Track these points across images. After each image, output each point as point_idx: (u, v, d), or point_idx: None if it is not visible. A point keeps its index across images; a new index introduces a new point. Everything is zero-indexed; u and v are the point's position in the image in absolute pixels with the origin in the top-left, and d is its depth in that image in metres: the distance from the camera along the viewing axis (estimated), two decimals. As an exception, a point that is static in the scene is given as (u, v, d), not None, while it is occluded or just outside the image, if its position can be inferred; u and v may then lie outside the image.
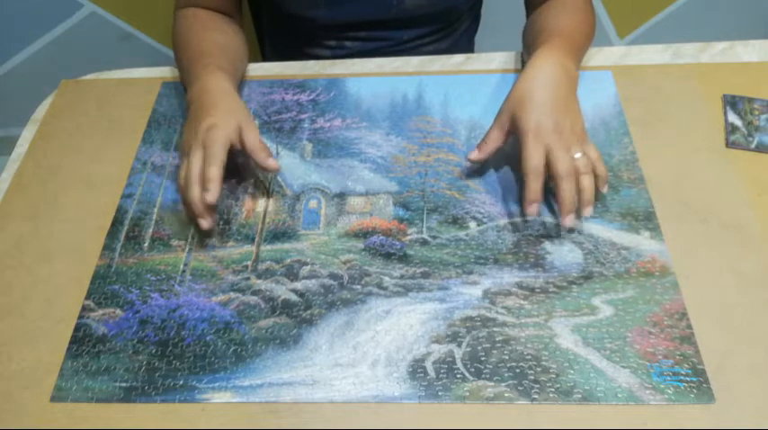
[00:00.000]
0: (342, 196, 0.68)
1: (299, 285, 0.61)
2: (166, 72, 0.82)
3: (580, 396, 0.52)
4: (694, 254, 0.60)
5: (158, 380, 0.55)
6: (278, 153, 0.72)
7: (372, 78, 0.79)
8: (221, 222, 0.66)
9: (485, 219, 0.65)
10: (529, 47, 0.75)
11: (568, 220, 0.60)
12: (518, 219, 0.65)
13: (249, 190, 0.69)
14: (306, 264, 0.62)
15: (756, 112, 0.71)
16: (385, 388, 0.53)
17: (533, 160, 0.59)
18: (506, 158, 0.69)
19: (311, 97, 0.78)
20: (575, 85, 0.66)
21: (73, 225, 0.67)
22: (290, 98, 0.78)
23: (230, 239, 0.65)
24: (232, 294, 0.60)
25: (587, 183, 0.60)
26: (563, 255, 0.62)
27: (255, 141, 0.64)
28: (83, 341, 0.57)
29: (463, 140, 0.72)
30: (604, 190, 0.62)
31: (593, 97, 0.74)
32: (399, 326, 0.57)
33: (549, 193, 0.65)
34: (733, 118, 0.71)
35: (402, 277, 0.61)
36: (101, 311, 0.59)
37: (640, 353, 0.54)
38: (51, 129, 0.76)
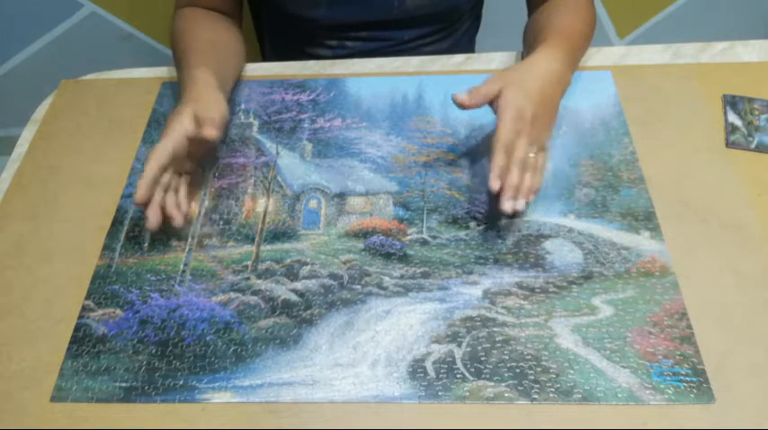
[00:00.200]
0: (342, 196, 0.68)
1: (299, 285, 0.61)
2: (166, 72, 0.82)
3: (580, 396, 0.52)
4: (694, 254, 0.60)
5: (158, 380, 0.55)
6: (278, 153, 0.72)
7: (372, 78, 0.79)
8: (221, 222, 0.66)
9: (485, 219, 0.65)
10: (530, 46, 0.75)
11: (509, 205, 0.59)
12: (518, 219, 0.65)
13: (249, 190, 0.69)
14: (306, 264, 0.62)
15: (756, 112, 0.71)
16: (385, 388, 0.53)
17: (509, 135, 0.59)
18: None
19: (311, 97, 0.78)
20: (562, 91, 0.66)
21: (73, 225, 0.67)
22: (290, 98, 0.78)
23: (230, 239, 0.65)
24: (232, 294, 0.60)
25: (527, 180, 0.60)
26: (563, 255, 0.62)
27: (206, 115, 0.62)
28: (83, 341, 0.57)
29: (463, 140, 0.72)
30: (530, 199, 0.61)
31: (593, 97, 0.74)
32: (399, 326, 0.57)
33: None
34: (733, 118, 0.71)
35: (402, 277, 0.61)
36: (101, 311, 0.59)
37: (640, 353, 0.54)
38: (51, 129, 0.76)
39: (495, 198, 0.66)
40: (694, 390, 0.52)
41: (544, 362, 0.54)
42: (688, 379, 0.52)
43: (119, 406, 0.54)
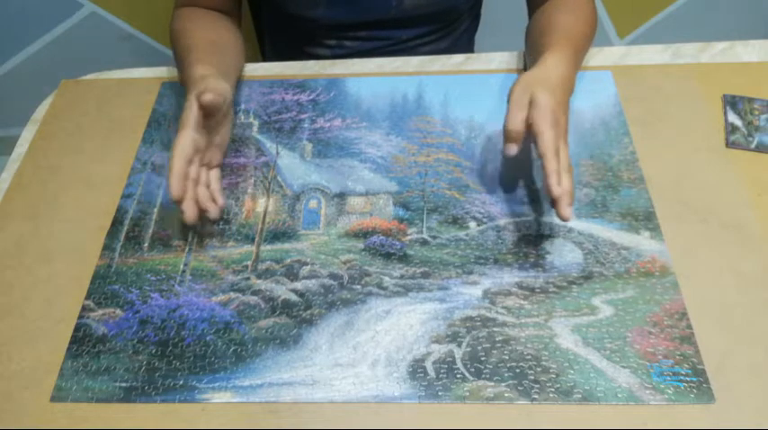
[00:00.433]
0: (342, 196, 0.68)
1: (299, 285, 0.61)
2: (166, 72, 0.82)
3: (580, 396, 0.52)
4: (694, 254, 0.60)
5: (158, 380, 0.55)
6: (278, 153, 0.72)
7: (372, 78, 0.79)
8: (221, 222, 0.66)
9: (485, 219, 0.65)
10: (531, 46, 0.75)
11: (569, 211, 0.57)
12: (518, 219, 0.65)
13: (249, 190, 0.69)
14: (306, 264, 0.62)
15: (756, 112, 0.71)
16: (385, 388, 0.53)
17: (554, 140, 0.58)
18: (506, 159, 0.69)
19: (311, 97, 0.78)
20: (571, 94, 0.67)
21: (73, 225, 0.67)
22: (290, 98, 0.78)
23: (230, 239, 0.65)
24: (232, 294, 0.60)
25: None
26: (563, 255, 0.62)
27: (206, 88, 0.62)
28: (83, 341, 0.57)
29: (463, 140, 0.72)
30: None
31: (593, 97, 0.74)
32: (399, 326, 0.57)
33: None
34: (733, 118, 0.71)
35: (402, 277, 0.61)
36: (101, 311, 0.59)
37: (640, 353, 0.54)
38: (51, 129, 0.76)
39: (496, 199, 0.66)
40: (694, 390, 0.52)
41: (544, 362, 0.54)
42: (688, 379, 0.52)
43: (119, 406, 0.54)
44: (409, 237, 0.64)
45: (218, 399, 0.53)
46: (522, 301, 0.58)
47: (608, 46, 0.80)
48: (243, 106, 0.77)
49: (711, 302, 0.57)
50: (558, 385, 0.53)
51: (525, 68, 0.78)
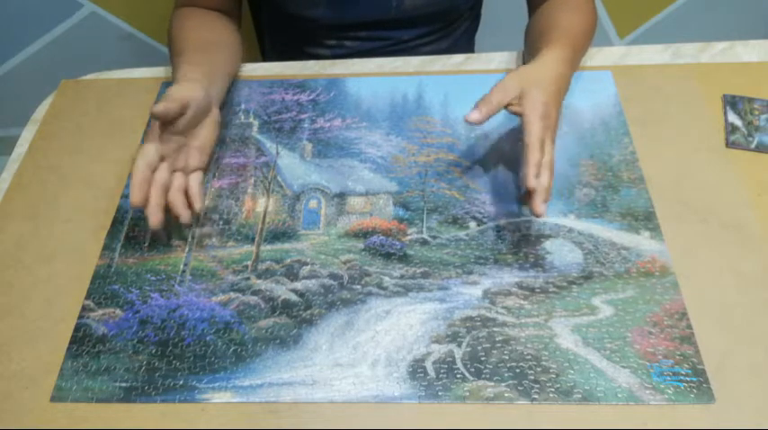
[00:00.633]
0: (342, 196, 0.68)
1: (299, 285, 0.61)
2: (166, 72, 0.82)
3: (580, 396, 0.52)
4: (694, 254, 0.60)
5: (158, 380, 0.55)
6: (278, 153, 0.72)
7: (372, 78, 0.79)
8: (221, 222, 0.66)
9: (485, 219, 0.65)
10: (531, 45, 0.75)
11: (543, 208, 0.58)
12: (518, 219, 0.65)
13: (249, 190, 0.69)
14: (306, 264, 0.62)
15: (756, 112, 0.71)
16: (385, 388, 0.53)
17: (541, 132, 0.59)
18: (506, 159, 0.69)
19: (311, 97, 0.78)
20: (566, 92, 0.67)
21: (73, 225, 0.67)
22: (290, 98, 0.78)
23: (230, 239, 0.65)
24: (232, 294, 0.60)
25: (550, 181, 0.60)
26: (563, 255, 0.62)
27: (168, 96, 0.62)
28: (83, 341, 0.57)
29: (463, 140, 0.72)
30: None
31: (593, 97, 0.74)
32: (399, 326, 0.57)
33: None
34: (733, 118, 0.71)
35: (402, 277, 0.61)
36: (101, 311, 0.59)
37: (640, 353, 0.54)
38: (51, 129, 0.76)
39: (496, 199, 0.66)
40: (694, 390, 0.52)
41: (544, 362, 0.54)
42: (688, 379, 0.52)
43: (119, 406, 0.54)
44: (409, 237, 0.64)
45: (218, 399, 0.53)
46: (522, 301, 0.58)
47: (608, 46, 0.80)
48: (243, 106, 0.77)
49: (711, 302, 0.57)
50: (558, 385, 0.53)
51: (525, 68, 0.78)
